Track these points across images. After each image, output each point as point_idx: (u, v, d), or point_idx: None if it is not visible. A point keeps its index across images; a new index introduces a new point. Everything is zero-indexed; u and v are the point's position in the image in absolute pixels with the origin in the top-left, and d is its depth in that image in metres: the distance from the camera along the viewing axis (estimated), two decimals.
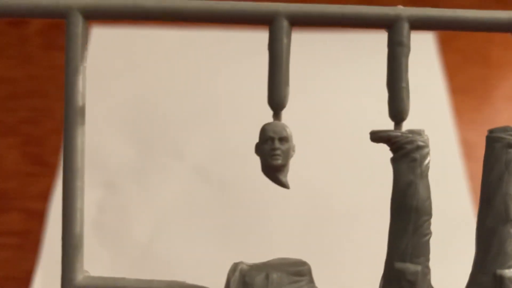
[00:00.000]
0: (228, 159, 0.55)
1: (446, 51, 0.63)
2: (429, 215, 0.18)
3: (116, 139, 0.55)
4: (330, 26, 0.20)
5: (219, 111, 0.58)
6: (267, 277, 0.19)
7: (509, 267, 0.17)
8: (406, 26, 0.19)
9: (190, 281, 0.50)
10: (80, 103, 0.21)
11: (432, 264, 0.19)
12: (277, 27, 0.19)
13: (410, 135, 0.18)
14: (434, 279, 0.20)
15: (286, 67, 0.20)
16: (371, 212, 0.50)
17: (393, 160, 0.18)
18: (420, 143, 0.18)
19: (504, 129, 0.18)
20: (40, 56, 0.61)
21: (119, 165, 0.54)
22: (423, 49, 0.64)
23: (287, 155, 0.19)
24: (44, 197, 0.52)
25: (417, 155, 0.17)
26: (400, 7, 0.19)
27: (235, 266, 0.20)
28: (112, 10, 0.21)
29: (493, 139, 0.17)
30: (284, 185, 0.20)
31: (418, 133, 0.18)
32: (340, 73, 0.59)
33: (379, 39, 0.67)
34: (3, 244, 0.50)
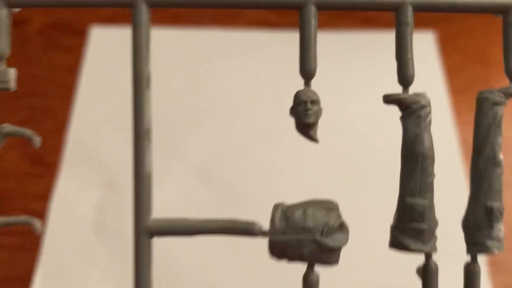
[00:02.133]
0: (228, 159, 0.55)
1: (446, 51, 0.63)
2: (433, 159, 0.22)
3: (116, 139, 0.55)
4: (349, 9, 0.24)
5: (219, 111, 0.58)
6: (304, 211, 0.23)
7: (496, 200, 0.22)
8: (410, 8, 0.23)
9: (190, 280, 0.50)
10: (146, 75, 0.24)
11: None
12: (306, 12, 0.23)
13: (416, 97, 0.22)
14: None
15: (314, 43, 0.24)
16: (371, 212, 0.50)
17: (402, 118, 0.23)
18: (424, 103, 0.22)
19: (490, 91, 0.24)
20: (40, 56, 0.61)
21: (119, 165, 0.54)
22: (423, 49, 0.64)
23: (317, 115, 0.23)
24: (44, 197, 0.52)
25: (421, 112, 0.22)
26: None
27: (276, 206, 0.24)
28: None
29: (481, 99, 0.24)
30: (314, 139, 0.24)
31: (422, 95, 0.23)
32: (339, 73, 0.59)
33: (380, 39, 0.67)
34: (3, 244, 0.50)
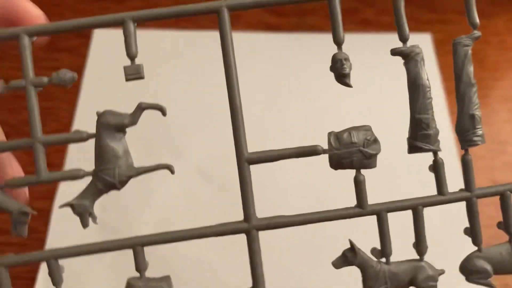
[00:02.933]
0: (229, 159, 0.56)
1: (443, 52, 0.64)
2: (429, 87, 0.30)
3: None
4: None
5: (219, 111, 0.59)
6: (349, 133, 0.30)
7: (476, 109, 0.30)
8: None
9: (190, 279, 0.50)
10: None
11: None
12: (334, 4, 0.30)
13: (412, 48, 0.31)
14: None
15: (340, 22, 0.31)
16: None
17: (405, 63, 0.31)
18: (418, 51, 0.31)
19: (461, 37, 0.30)
20: (42, 57, 0.61)
21: None
22: None
23: (350, 67, 0.31)
24: (48, 196, 0.52)
25: (417, 58, 0.30)
26: None
27: (330, 133, 0.30)
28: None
29: (456, 43, 0.30)
30: (349, 85, 0.31)
31: (416, 46, 0.31)
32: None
33: (380, 40, 0.67)
34: (6, 243, 0.50)
